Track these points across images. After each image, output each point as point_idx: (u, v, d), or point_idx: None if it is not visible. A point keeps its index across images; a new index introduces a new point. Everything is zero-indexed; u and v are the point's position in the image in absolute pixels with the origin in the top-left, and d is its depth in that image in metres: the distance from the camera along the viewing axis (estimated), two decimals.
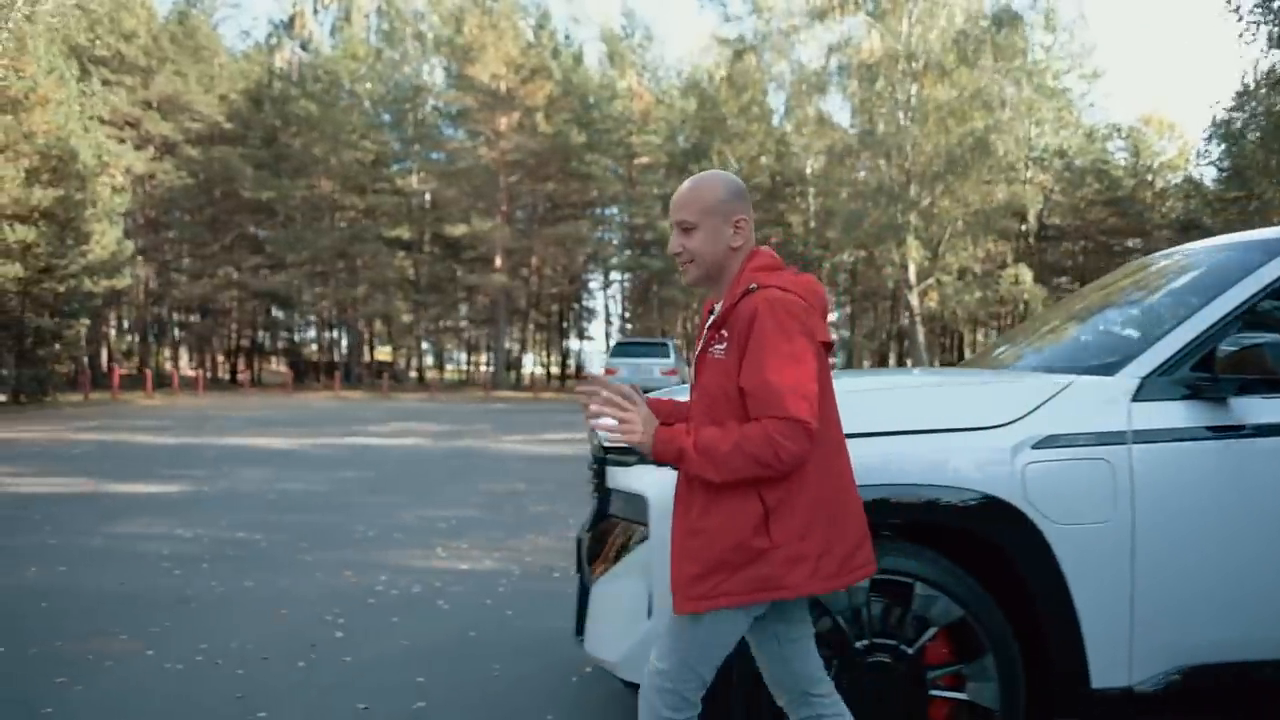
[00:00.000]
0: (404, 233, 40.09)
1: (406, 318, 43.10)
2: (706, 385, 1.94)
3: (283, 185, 36.63)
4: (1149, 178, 41.18)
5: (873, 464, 2.39)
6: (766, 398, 1.80)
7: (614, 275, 47.71)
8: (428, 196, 40.47)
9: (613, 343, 23.69)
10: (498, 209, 36.30)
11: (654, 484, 2.52)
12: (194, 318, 43.69)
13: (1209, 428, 2.40)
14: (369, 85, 38.30)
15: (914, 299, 29.37)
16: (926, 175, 27.55)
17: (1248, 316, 2.50)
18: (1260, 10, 22.76)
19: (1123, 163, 40.51)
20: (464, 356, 61.63)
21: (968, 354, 49.21)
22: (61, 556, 5.56)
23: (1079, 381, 2.50)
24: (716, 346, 1.93)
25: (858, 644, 2.38)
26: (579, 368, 53.35)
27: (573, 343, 55.56)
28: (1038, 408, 2.44)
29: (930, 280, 29.32)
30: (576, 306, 51.42)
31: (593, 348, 60.20)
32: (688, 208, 1.98)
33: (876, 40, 27.80)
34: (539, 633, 4.10)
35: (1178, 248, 3.32)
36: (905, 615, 2.38)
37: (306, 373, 44.32)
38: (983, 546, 2.42)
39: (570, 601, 3.17)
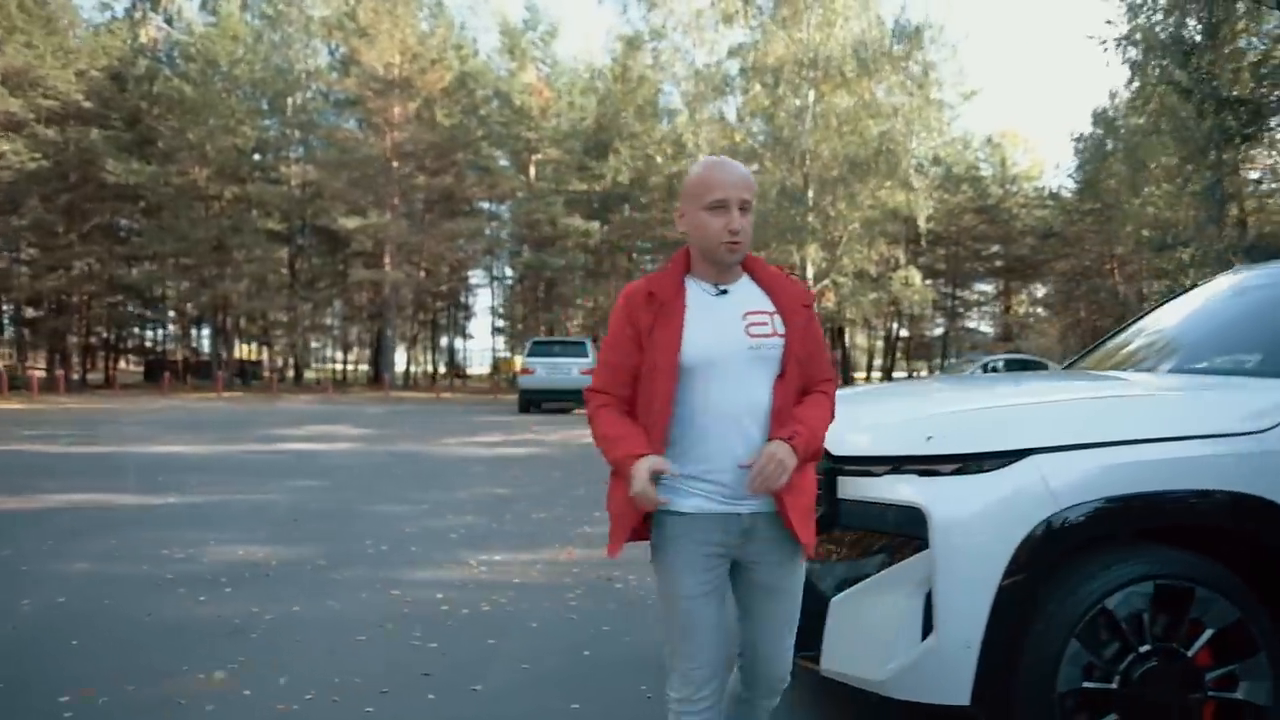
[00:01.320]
0: (277, 224, 38.03)
1: (282, 315, 40.94)
2: (793, 356, 2.05)
3: (149, 171, 34.05)
4: (1013, 187, 44.15)
5: (1146, 471, 2.42)
6: (826, 363, 2.15)
7: (504, 272, 47.05)
8: (308, 187, 38.60)
9: (529, 342, 23.21)
10: (389, 201, 35.02)
11: (933, 497, 2.46)
12: (42, 313, 40.06)
13: None
14: (248, 67, 36.12)
15: None
16: (826, 179, 28.45)
17: None
18: (1122, 42, 24.63)
19: (989, 172, 43.27)
20: (339, 355, 59.25)
21: (854, 353, 51.44)
22: (47, 584, 4.95)
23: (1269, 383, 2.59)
24: (764, 325, 2.04)
25: (1140, 649, 2.39)
26: (457, 366, 52.26)
27: (452, 341, 54.48)
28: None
29: (827, 281, 30.31)
30: (459, 304, 50.36)
31: (474, 346, 58.96)
32: (750, 188, 2.03)
33: (780, 46, 28.45)
34: (656, 647, 3.95)
35: None
36: (1184, 619, 2.41)
37: (161, 373, 41.18)
38: (1256, 550, 2.47)
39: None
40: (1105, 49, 24.31)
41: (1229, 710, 2.42)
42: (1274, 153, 23.74)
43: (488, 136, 35.62)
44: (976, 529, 2.42)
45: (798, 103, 28.97)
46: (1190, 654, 2.40)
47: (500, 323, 49.69)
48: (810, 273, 29.98)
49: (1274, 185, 25.03)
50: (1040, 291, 47.89)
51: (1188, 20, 20.99)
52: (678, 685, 2.08)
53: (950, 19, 36.80)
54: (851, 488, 2.69)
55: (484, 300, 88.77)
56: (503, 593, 4.88)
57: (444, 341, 56.24)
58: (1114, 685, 2.38)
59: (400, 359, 54.36)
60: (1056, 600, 2.38)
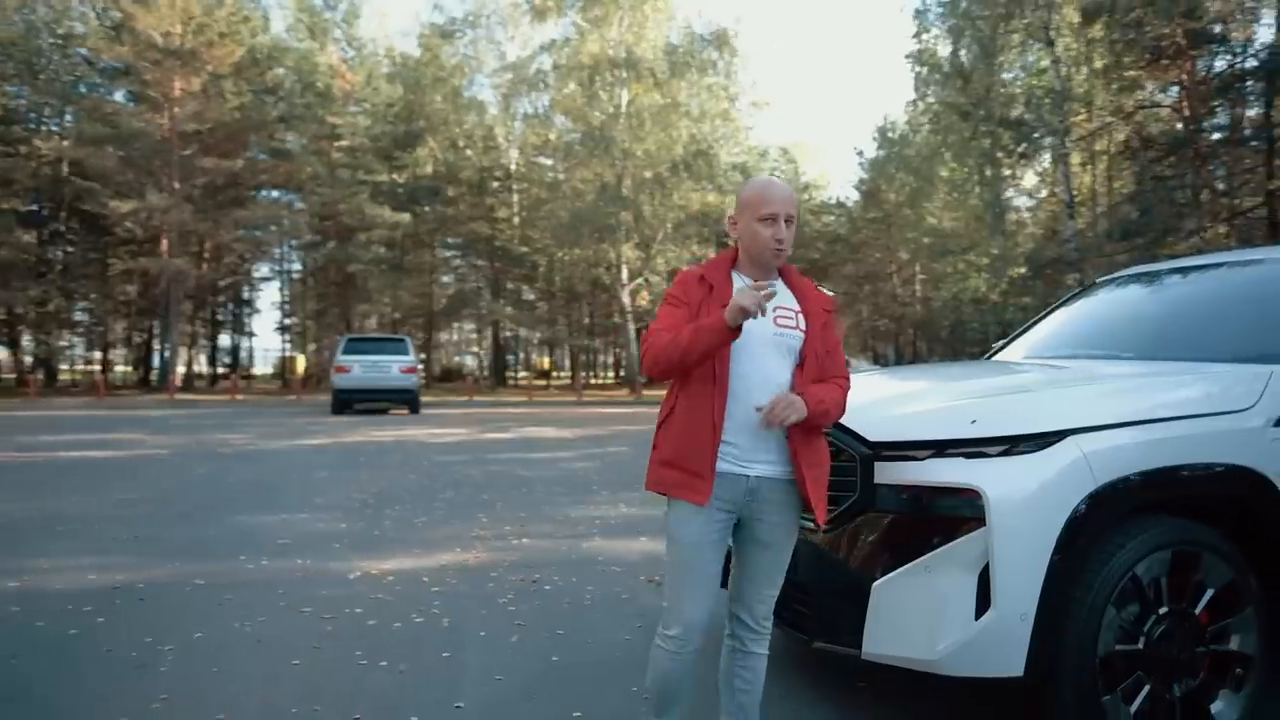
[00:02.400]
0: (24, 205, 33.38)
1: (29, 308, 35.97)
2: (811, 350, 2.44)
3: None
4: (804, 195, 47.05)
5: (1167, 447, 2.65)
6: (841, 361, 2.54)
7: (292, 265, 44.06)
8: (66, 164, 34.23)
9: (342, 339, 21.88)
10: (167, 184, 31.74)
11: (987, 478, 2.55)
12: None
13: None
14: None
15: (625, 297, 30.79)
16: (642, 179, 29.02)
17: None
18: (911, 60, 26.97)
19: (790, 181, 45.93)
20: (98, 355, 52.97)
21: None
22: None
23: (1276, 370, 2.94)
24: (789, 320, 2.43)
25: (1160, 611, 2.61)
26: (240, 366, 48.39)
27: (236, 339, 50.38)
28: (1263, 393, 2.84)
29: (640, 280, 30.94)
30: (241, 299, 46.63)
31: (258, 344, 54.91)
32: (794, 204, 2.45)
33: (594, 44, 28.68)
34: (624, 646, 3.84)
35: (1236, 254, 4.01)
36: (1192, 581, 2.65)
37: None
38: (1244, 514, 2.75)
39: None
40: (907, 66, 26.53)
41: (1223, 661, 2.69)
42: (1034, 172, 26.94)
43: (284, 119, 33.21)
44: (1030, 507, 2.54)
45: (612, 101, 29.35)
46: (1196, 613, 2.65)
47: (288, 320, 46.51)
48: (625, 272, 30.49)
49: (1035, 200, 28.32)
50: (827, 293, 51.31)
51: (962, 49, 23.32)
52: (674, 624, 2.39)
53: (742, 32, 38.54)
54: (891, 472, 2.74)
55: (269, 295, 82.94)
56: (427, 603, 4.57)
57: (224, 339, 51.81)
58: (1139, 646, 2.59)
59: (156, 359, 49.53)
60: (1093, 570, 2.54)
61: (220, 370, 47.87)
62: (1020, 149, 18.35)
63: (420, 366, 23.87)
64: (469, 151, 35.48)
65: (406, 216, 32.67)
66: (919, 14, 26.18)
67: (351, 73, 35.20)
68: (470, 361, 54.61)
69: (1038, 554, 2.53)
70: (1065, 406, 2.72)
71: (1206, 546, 2.66)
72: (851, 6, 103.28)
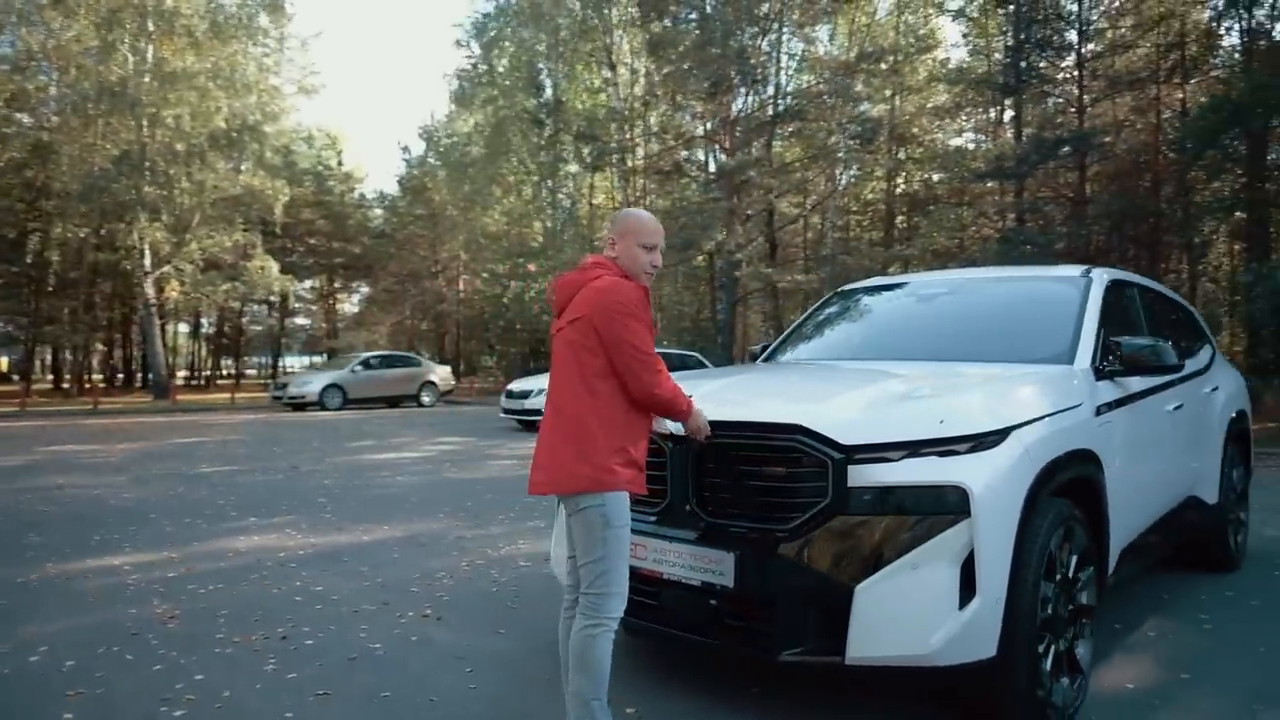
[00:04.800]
0: None
1: None
2: None
3: None
4: (346, 186, 45.07)
5: (1064, 436, 3.08)
6: None
7: None
8: None
9: None
10: None
11: (967, 473, 2.70)
12: None
13: (1121, 398, 3.74)
14: None
15: (149, 288, 26.40)
16: (173, 150, 25.14)
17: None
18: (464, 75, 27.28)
19: (329, 169, 43.37)
20: None
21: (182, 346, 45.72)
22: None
23: (1076, 370, 3.57)
24: None
25: (1057, 577, 3.02)
26: None
27: None
28: (1086, 390, 3.43)
29: (168, 268, 26.77)
30: None
31: None
32: (662, 235, 2.89)
33: None
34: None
35: (979, 273, 4.70)
36: (1069, 549, 3.11)
37: None
38: (1084, 486, 3.28)
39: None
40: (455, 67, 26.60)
41: (1080, 613, 3.19)
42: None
43: None
44: (1003, 496, 2.75)
45: (136, 56, 24.94)
46: (1070, 576, 3.12)
47: None
48: (148, 259, 26.16)
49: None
50: (364, 289, 49.68)
51: (540, 64, 24.41)
52: (619, 604, 2.67)
53: (297, 13, 35.70)
54: (866, 475, 2.75)
55: None
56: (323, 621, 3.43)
57: None
58: (1049, 612, 2.96)
59: None
60: (1029, 549, 2.84)
61: None
62: (591, 161, 19.78)
63: None
64: None
65: None
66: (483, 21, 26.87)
67: None
68: None
69: (1007, 540, 2.76)
70: (1005, 405, 3.00)
71: (1075, 519, 3.14)
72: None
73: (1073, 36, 18.25)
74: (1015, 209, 18.88)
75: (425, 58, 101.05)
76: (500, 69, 27.36)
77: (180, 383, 38.01)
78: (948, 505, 2.70)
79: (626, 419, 2.68)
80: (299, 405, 22.01)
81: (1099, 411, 3.44)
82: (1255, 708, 3.19)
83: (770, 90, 21.20)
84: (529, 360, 31.43)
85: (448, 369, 26.43)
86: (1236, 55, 18.13)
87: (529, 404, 15.40)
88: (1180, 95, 18.37)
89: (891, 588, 2.68)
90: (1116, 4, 19.22)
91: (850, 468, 2.76)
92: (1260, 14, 17.95)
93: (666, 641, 3.13)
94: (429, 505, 7.68)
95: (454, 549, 5.95)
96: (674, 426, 3.01)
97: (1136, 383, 3.86)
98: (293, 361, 54.98)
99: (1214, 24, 18.89)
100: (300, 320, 51.99)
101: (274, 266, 28.44)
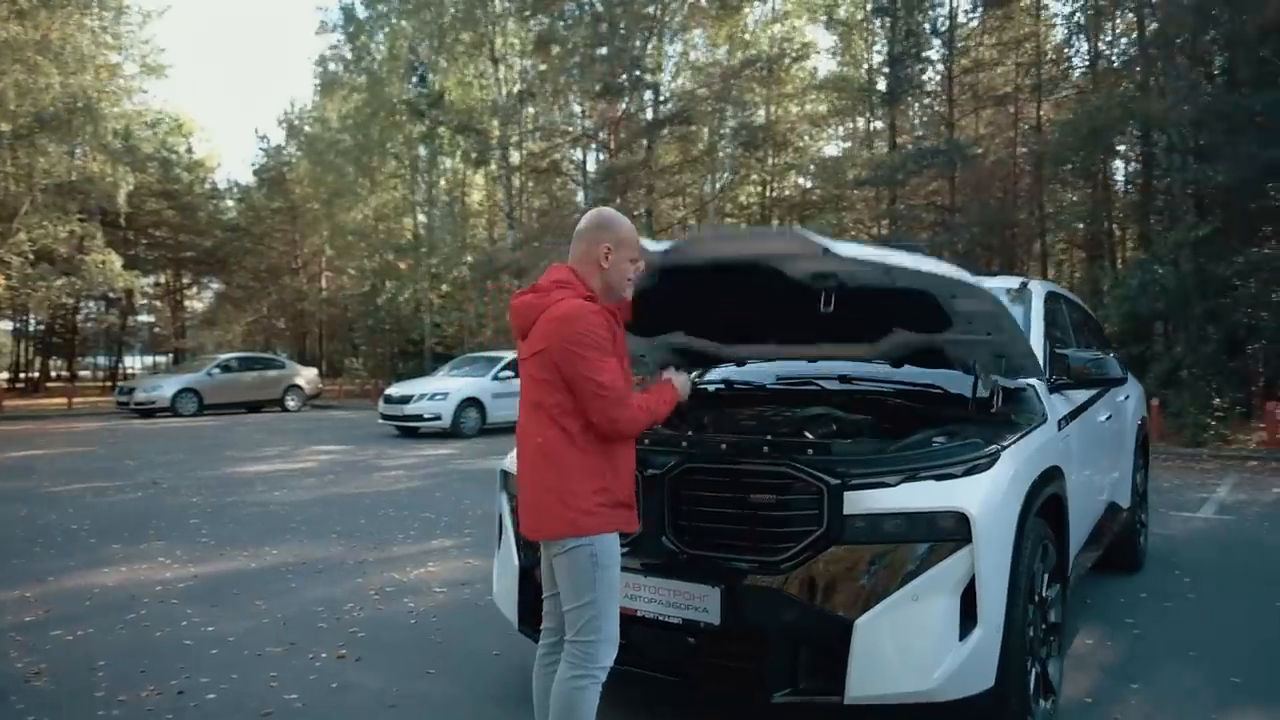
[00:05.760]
0: None
1: None
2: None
3: None
4: (196, 175, 42.15)
5: (1043, 453, 3.04)
6: None
7: None
8: None
9: None
10: None
11: (966, 497, 2.59)
12: None
13: (1074, 411, 3.76)
14: None
15: None
16: None
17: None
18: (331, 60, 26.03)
19: (176, 154, 40.41)
20: None
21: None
22: None
23: (1038, 384, 3.54)
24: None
25: (1036, 598, 2.96)
26: None
27: None
28: (1048, 405, 3.41)
29: None
30: None
31: None
32: None
33: None
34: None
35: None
36: (1045, 568, 3.06)
37: None
38: (1055, 503, 3.25)
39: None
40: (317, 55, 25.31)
41: (1051, 631, 3.16)
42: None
43: None
44: (999, 521, 2.66)
45: None
46: (1043, 595, 3.08)
47: None
48: None
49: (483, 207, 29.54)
50: (216, 285, 46.66)
51: (419, 54, 23.39)
52: (610, 651, 2.43)
53: None
54: (864, 502, 2.60)
55: None
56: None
57: None
58: (1031, 632, 2.90)
59: None
60: (1017, 572, 2.76)
61: None
62: (474, 155, 19.15)
63: None
64: None
65: None
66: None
67: None
68: None
69: (1004, 565, 2.67)
70: (998, 427, 2.91)
71: (1049, 537, 3.11)
72: None
73: (943, 51, 19.12)
74: (890, 215, 19.63)
75: (287, 40, 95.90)
76: (377, 56, 26.08)
77: (4, 385, 34.49)
78: (948, 532, 2.57)
79: (605, 455, 2.41)
80: (148, 412, 20.32)
81: (1059, 426, 3.43)
82: (1211, 718, 3.25)
83: (652, 94, 21.15)
84: (398, 362, 30.23)
85: (314, 371, 25.06)
86: (1083, 77, 19.45)
87: (409, 409, 14.73)
88: (1037, 112, 19.57)
89: (893, 621, 2.53)
90: (979, 23, 20.27)
91: (846, 494, 2.60)
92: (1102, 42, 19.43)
93: (629, 683, 2.90)
94: (318, 524, 7.11)
95: (356, 575, 5.48)
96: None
97: (1080, 395, 3.91)
98: (134, 362, 50.98)
99: (1064, 48, 20.24)
100: (144, 318, 48.30)
101: (116, 261, 26.16)
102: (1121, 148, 17.46)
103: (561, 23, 21.43)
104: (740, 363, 4.30)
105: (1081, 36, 19.17)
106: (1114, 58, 18.69)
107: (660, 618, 2.79)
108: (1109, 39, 19.62)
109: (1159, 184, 16.03)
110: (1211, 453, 11.46)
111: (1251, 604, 4.66)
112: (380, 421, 15.39)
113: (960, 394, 3.47)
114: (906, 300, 2.92)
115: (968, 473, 2.66)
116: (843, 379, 3.87)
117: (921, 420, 3.26)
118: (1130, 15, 17.14)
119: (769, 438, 2.84)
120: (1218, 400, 12.51)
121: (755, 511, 2.72)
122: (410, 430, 14.81)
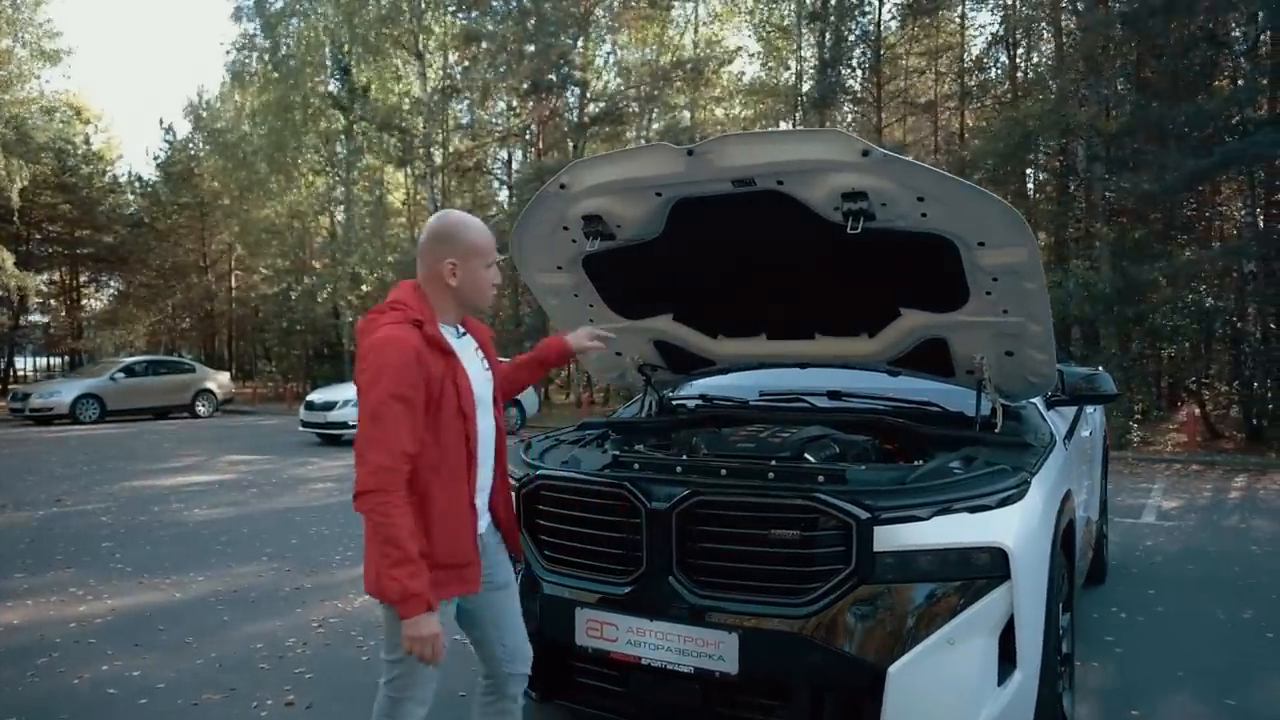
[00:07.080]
0: None
1: None
2: (499, 383, 2.39)
3: None
4: (94, 168, 39.85)
5: (1059, 478, 2.89)
6: None
7: None
8: None
9: None
10: None
11: (1003, 531, 2.42)
12: None
13: (1070, 428, 3.67)
14: None
15: None
16: None
17: None
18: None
19: (73, 145, 38.10)
20: None
21: None
22: None
23: (1038, 401, 3.43)
24: (485, 359, 2.32)
25: (1057, 630, 2.82)
26: None
27: None
28: (1052, 424, 3.29)
29: None
30: None
31: None
32: None
33: None
34: None
35: None
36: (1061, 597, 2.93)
37: None
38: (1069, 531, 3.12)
39: None
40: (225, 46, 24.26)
41: (1065, 662, 3.02)
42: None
43: None
44: (1035, 555, 2.50)
45: None
46: (1062, 626, 2.94)
47: None
48: None
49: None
50: (116, 284, 44.24)
51: (339, 46, 22.46)
52: (414, 713, 2.21)
53: None
54: (896, 537, 2.39)
55: None
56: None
57: None
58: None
59: None
60: (1051, 607, 2.61)
61: None
62: (398, 154, 18.46)
63: None
64: None
65: None
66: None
67: None
68: None
69: (1040, 603, 2.51)
70: (1017, 451, 2.75)
71: (1067, 564, 2.97)
72: None
73: (871, 58, 19.37)
74: None
75: (194, 24, 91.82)
76: (294, 47, 24.95)
77: None
78: (984, 569, 2.39)
79: (419, 509, 2.03)
80: (45, 419, 19.03)
81: (1065, 446, 3.32)
82: None
83: (580, 93, 20.83)
84: (313, 365, 29.11)
85: (226, 375, 23.91)
86: (1002, 87, 19.98)
87: (333, 416, 14.08)
88: (960, 121, 20.03)
89: (929, 667, 2.34)
90: (901, 30, 20.63)
91: (878, 529, 2.39)
92: (1019, 52, 20.00)
93: None
94: (245, 545, 6.61)
95: (295, 604, 5.06)
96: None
97: (1070, 411, 3.82)
98: (27, 365, 47.93)
99: (983, 58, 20.76)
100: (37, 318, 45.43)
101: (9, 258, 24.49)
102: (1040, 157, 17.97)
103: (488, 18, 20.94)
104: (723, 371, 4.06)
105: (999, 47, 19.72)
106: (1034, 69, 19.26)
107: (669, 666, 2.54)
108: (1023, 51, 20.23)
109: (1077, 192, 16.53)
110: (1136, 455, 11.80)
111: (1222, 616, 4.67)
112: (301, 429, 14.69)
113: (959, 412, 3.33)
114: (923, 257, 2.71)
115: (1002, 504, 2.48)
116: (832, 395, 3.70)
117: (924, 441, 3.11)
118: (1049, 27, 17.66)
119: (787, 466, 2.62)
120: (1138, 404, 12.91)
121: (776, 549, 2.49)
122: (333, 439, 14.16)
